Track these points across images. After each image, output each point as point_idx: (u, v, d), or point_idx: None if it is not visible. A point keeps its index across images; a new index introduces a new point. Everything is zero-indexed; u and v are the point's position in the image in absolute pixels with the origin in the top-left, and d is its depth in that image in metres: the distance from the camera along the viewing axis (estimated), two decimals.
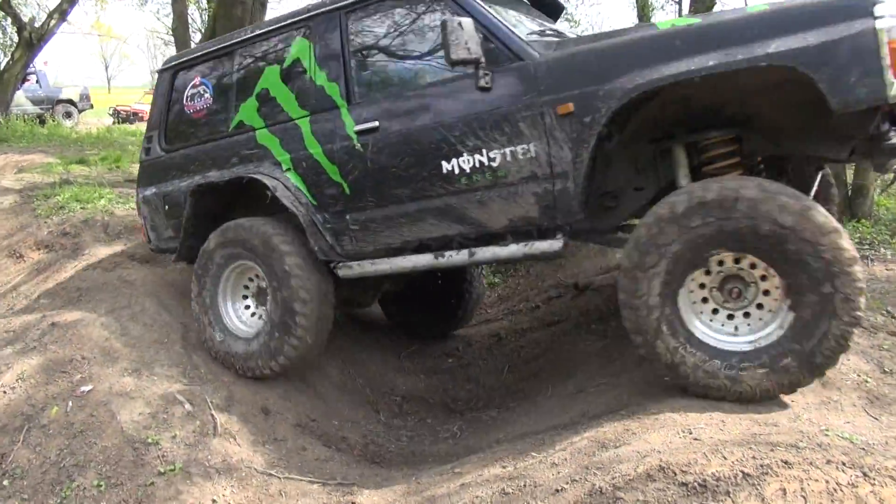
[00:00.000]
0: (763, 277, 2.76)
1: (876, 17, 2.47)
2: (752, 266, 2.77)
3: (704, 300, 2.87)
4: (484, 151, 3.16)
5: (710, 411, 2.81)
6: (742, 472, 2.17)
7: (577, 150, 2.98)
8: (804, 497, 2.01)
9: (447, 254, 3.39)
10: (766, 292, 2.77)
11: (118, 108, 24.61)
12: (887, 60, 2.45)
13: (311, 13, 3.72)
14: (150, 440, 3.28)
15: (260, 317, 3.86)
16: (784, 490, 2.04)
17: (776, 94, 2.93)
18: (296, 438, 3.66)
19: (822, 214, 2.57)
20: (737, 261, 2.78)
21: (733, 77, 2.72)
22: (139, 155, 4.52)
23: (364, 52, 3.63)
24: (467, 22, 2.96)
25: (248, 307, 3.96)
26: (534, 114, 3.04)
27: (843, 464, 2.19)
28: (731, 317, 2.85)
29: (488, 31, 3.16)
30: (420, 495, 2.92)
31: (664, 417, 2.82)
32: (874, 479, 2.10)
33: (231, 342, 3.84)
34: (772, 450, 2.32)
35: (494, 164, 3.15)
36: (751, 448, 2.34)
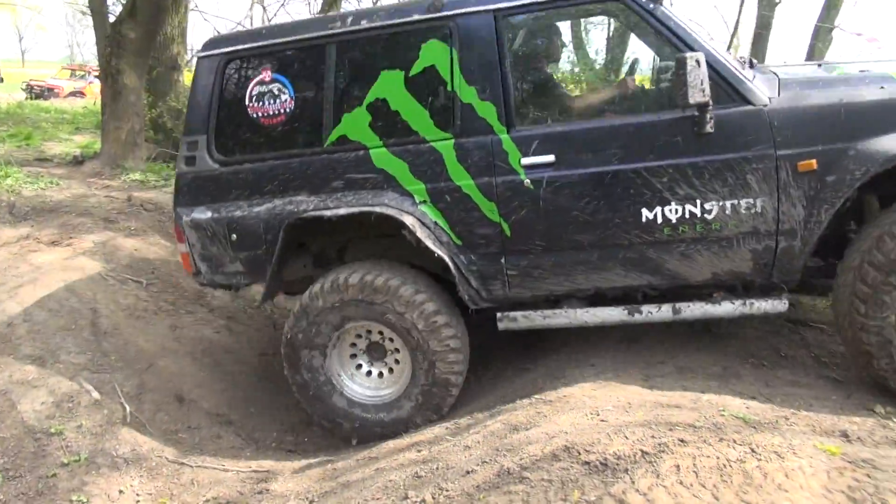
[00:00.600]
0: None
1: None
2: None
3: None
4: (698, 202, 2.89)
5: (620, 394, 2.93)
6: (641, 450, 2.26)
7: (812, 207, 2.81)
8: (696, 472, 2.11)
9: (644, 309, 3.09)
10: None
11: (32, 83, 23.34)
12: None
13: (455, 12, 3.08)
14: (52, 430, 3.15)
15: (382, 374, 3.45)
16: (678, 466, 2.14)
17: None
18: (211, 426, 3.59)
19: None
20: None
21: None
22: (177, 165, 3.55)
23: (529, 67, 3.27)
24: (703, 59, 2.67)
25: (359, 366, 3.46)
26: (767, 167, 2.82)
27: (734, 441, 2.31)
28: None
29: (713, 70, 2.82)
30: (335, 480, 2.91)
31: (575, 400, 2.92)
32: (760, 455, 2.22)
33: (361, 411, 3.40)
34: (670, 429, 2.44)
35: (709, 217, 2.90)
36: (651, 428, 2.44)
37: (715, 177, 2.87)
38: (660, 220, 2.94)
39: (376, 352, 3.41)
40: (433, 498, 2.37)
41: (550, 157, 3.00)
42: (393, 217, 3.07)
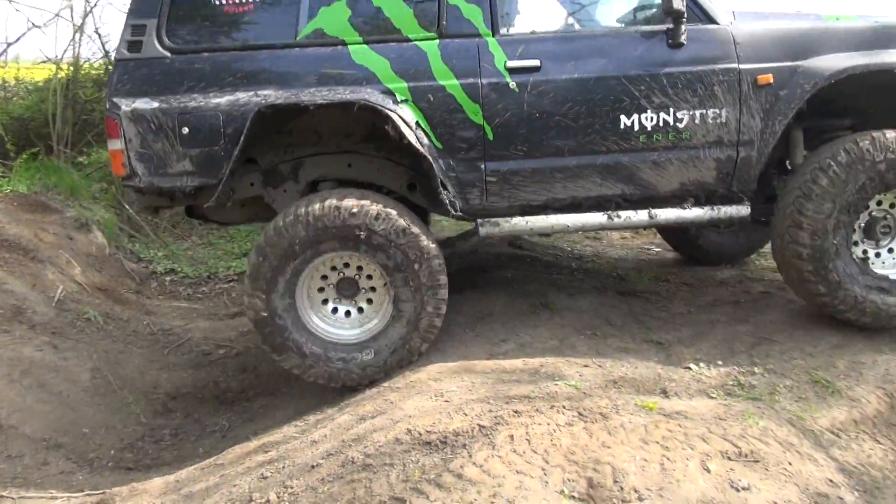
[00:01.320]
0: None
1: None
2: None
3: None
4: (671, 111, 3.08)
5: (464, 375, 3.01)
6: (479, 425, 2.34)
7: (768, 118, 3.11)
8: (528, 440, 2.22)
9: (624, 215, 3.21)
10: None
11: None
12: None
13: None
14: None
15: (359, 312, 3.22)
16: (512, 436, 2.24)
17: None
18: (36, 453, 3.27)
19: None
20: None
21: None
22: (118, 50, 3.16)
23: None
24: None
25: (325, 301, 3.22)
26: (731, 79, 3.08)
27: (564, 407, 2.46)
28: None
29: None
30: (178, 493, 2.76)
31: (421, 385, 2.96)
32: (587, 418, 2.38)
33: (330, 350, 3.17)
34: (507, 402, 2.54)
35: (680, 126, 3.10)
36: (489, 403, 2.54)
37: (686, 87, 3.10)
38: (636, 127, 3.11)
39: (348, 289, 3.21)
40: (277, 497, 2.32)
41: (536, 62, 3.08)
42: (378, 109, 2.96)
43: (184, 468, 3.09)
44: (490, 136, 3.10)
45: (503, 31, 3.15)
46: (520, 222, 3.23)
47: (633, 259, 5.04)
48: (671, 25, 3.08)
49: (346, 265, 3.17)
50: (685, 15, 3.04)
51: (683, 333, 3.51)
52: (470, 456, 2.15)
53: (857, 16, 3.38)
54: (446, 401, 2.70)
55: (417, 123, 3.06)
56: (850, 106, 3.44)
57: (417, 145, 3.00)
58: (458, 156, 3.13)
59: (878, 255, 3.31)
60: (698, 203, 3.30)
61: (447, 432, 2.32)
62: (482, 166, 3.15)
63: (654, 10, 3.28)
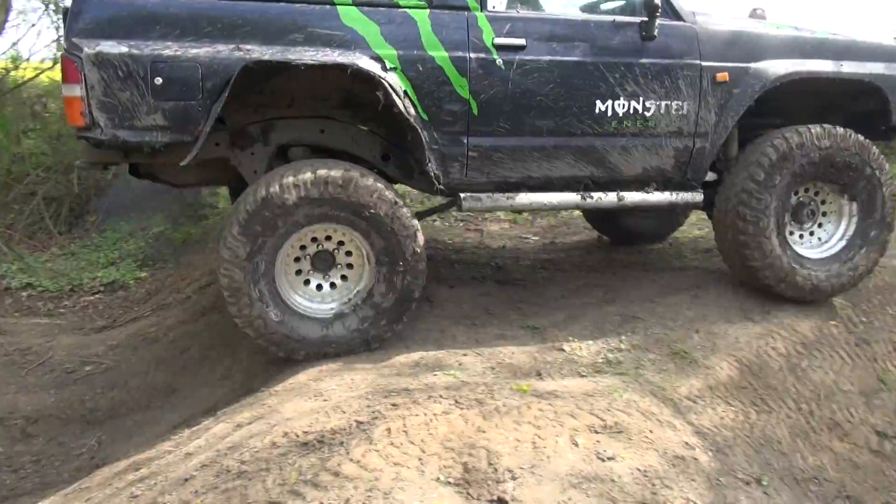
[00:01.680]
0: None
1: None
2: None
3: None
4: (640, 99, 3.24)
5: (345, 375, 2.99)
6: (357, 421, 2.34)
7: (722, 113, 3.37)
8: (405, 431, 2.24)
9: (595, 195, 3.34)
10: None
11: None
12: None
13: None
14: None
15: (332, 287, 3.14)
16: (389, 429, 2.25)
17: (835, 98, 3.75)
18: None
19: None
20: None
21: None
22: None
23: None
24: None
25: (299, 272, 3.11)
26: (694, 74, 3.29)
27: (441, 397, 2.50)
28: None
29: None
30: None
31: (301, 387, 2.91)
32: (463, 405, 2.44)
33: (297, 324, 3.04)
34: (386, 397, 2.55)
35: (647, 114, 3.27)
36: (367, 399, 2.54)
37: (655, 78, 3.28)
38: (609, 112, 3.25)
39: (323, 262, 3.13)
40: None
41: (522, 41, 3.12)
42: (371, 75, 2.87)
43: (46, 497, 2.88)
44: (475, 112, 3.12)
45: (491, 6, 3.16)
46: (501, 198, 3.28)
47: (511, 249, 5.19)
48: (646, 18, 3.21)
49: (328, 238, 3.12)
50: (659, 9, 3.18)
51: (558, 317, 3.66)
52: (347, 453, 2.15)
53: (792, 26, 3.71)
54: (325, 400, 2.67)
55: (405, 93, 3.00)
56: (778, 105, 3.73)
57: (407, 115, 2.96)
58: (442, 129, 3.12)
59: (801, 236, 3.70)
60: (658, 188, 3.49)
61: (324, 431, 2.29)
62: (465, 141, 3.16)
63: (630, 1, 3.43)
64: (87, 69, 2.69)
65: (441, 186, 3.21)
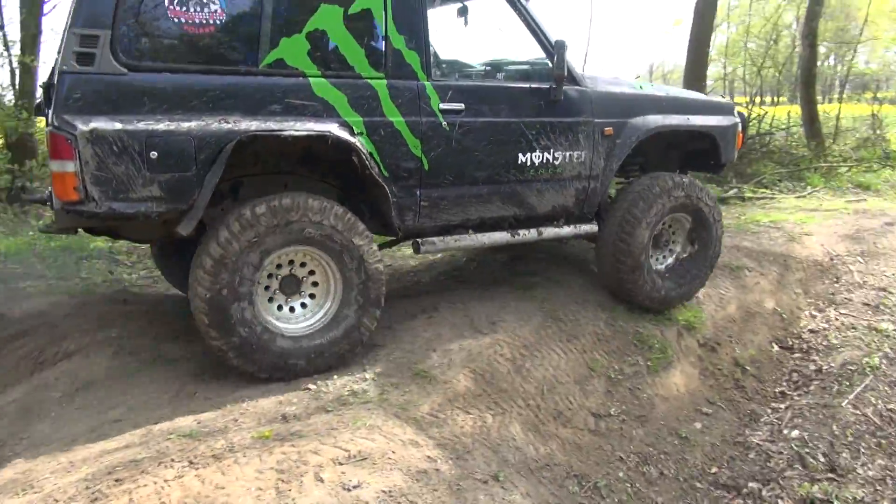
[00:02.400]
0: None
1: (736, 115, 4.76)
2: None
3: None
4: (551, 150, 3.82)
5: (61, 457, 2.64)
6: None
7: (608, 159, 4.05)
8: None
9: (521, 232, 3.89)
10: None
11: None
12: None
13: None
14: None
15: (302, 307, 3.40)
16: None
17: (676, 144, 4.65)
18: None
19: None
20: None
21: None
22: (64, 61, 2.77)
23: (443, 29, 3.81)
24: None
25: (272, 300, 3.32)
26: (589, 130, 3.93)
27: (174, 460, 2.33)
28: None
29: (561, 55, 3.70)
30: None
31: (12, 483, 2.51)
32: (199, 464, 2.30)
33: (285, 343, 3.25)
34: (110, 473, 2.31)
35: (556, 162, 3.86)
36: (87, 481, 2.27)
37: (562, 134, 3.86)
38: (528, 163, 3.80)
39: (289, 287, 3.33)
40: None
41: (461, 106, 3.53)
42: (346, 143, 3.19)
43: None
44: (426, 167, 3.50)
45: (435, 75, 3.56)
46: (451, 240, 3.74)
47: None
48: (554, 84, 3.75)
49: (291, 262, 3.31)
50: (565, 78, 3.74)
51: None
52: None
53: (652, 84, 4.58)
54: (37, 492, 2.34)
55: (370, 154, 3.30)
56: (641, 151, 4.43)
57: (374, 175, 3.30)
58: (399, 183, 3.46)
59: (656, 259, 4.48)
60: (565, 223, 4.10)
61: None
62: (418, 192, 3.54)
63: (542, 69, 3.91)
64: (81, 146, 2.72)
65: (400, 233, 3.62)
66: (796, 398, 4.27)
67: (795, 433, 3.91)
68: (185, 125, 2.91)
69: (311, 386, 3.26)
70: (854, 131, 13.17)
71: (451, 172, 3.59)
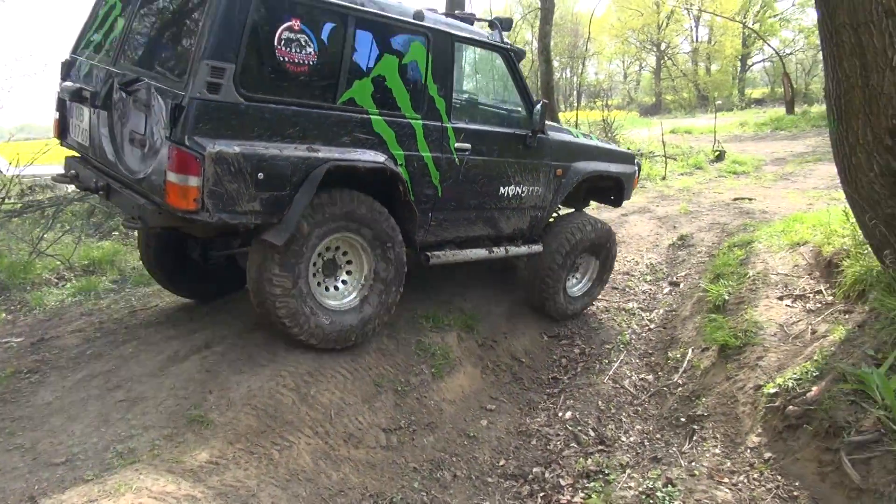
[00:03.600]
0: None
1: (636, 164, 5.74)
2: None
3: None
4: (521, 185, 4.65)
5: None
6: None
7: (555, 194, 4.93)
8: None
9: (495, 249, 4.69)
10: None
11: None
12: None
13: (434, 26, 4.01)
14: None
15: (343, 285, 3.94)
16: None
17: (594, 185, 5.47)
18: None
19: None
20: None
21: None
22: (192, 87, 3.05)
23: (461, 81, 4.64)
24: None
25: (319, 283, 3.84)
26: (547, 170, 4.79)
27: None
28: None
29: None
30: None
31: None
32: None
33: (340, 319, 3.81)
34: None
35: (522, 195, 4.68)
36: None
37: (529, 172, 4.68)
38: (506, 194, 4.58)
39: (329, 269, 3.88)
40: None
41: (468, 146, 4.23)
42: (396, 174, 3.79)
43: None
44: (440, 194, 4.17)
45: (453, 120, 4.15)
46: (450, 255, 4.40)
47: None
48: (531, 133, 4.55)
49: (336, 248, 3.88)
50: (540, 130, 4.58)
51: (53, 424, 3.18)
52: None
53: (591, 135, 5.80)
54: None
55: (406, 182, 3.89)
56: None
57: (413, 202, 3.97)
58: (420, 206, 4.08)
59: (572, 283, 5.43)
60: (521, 243, 4.93)
61: None
62: (430, 214, 4.21)
63: (521, 118, 4.62)
64: (207, 164, 3.09)
65: (413, 244, 4.22)
66: (566, 381, 4.67)
67: (568, 414, 4.26)
68: (285, 151, 3.37)
69: (62, 460, 2.86)
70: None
71: (454, 199, 4.30)
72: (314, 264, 3.75)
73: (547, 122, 4.82)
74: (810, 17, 32.76)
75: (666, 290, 5.58)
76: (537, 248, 4.97)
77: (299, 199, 3.39)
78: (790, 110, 21.29)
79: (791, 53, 34.05)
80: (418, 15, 3.93)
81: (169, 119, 3.14)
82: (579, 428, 4.11)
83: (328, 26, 3.59)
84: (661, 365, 4.55)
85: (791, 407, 3.27)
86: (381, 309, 3.98)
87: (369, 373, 3.92)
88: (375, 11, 3.69)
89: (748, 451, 3.36)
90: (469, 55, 4.80)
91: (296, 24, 3.36)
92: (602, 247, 5.28)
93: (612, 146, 5.93)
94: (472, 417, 4.15)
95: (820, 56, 3.55)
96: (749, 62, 39.08)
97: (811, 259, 4.68)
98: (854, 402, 2.97)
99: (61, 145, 4.30)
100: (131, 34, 3.76)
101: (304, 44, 3.40)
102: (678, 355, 4.47)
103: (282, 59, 3.34)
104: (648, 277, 5.94)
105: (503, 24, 4.54)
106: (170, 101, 3.13)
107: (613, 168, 5.34)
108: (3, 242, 6.14)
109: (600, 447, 3.94)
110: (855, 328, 3.51)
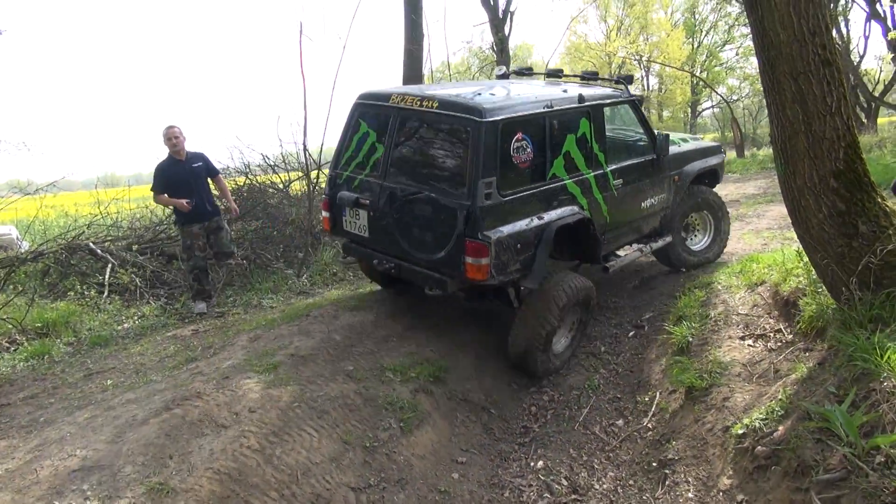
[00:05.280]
0: None
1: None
2: None
3: None
4: (654, 196, 6.06)
5: None
6: None
7: (674, 195, 6.34)
8: None
9: (643, 248, 6.21)
10: None
11: None
12: None
13: (594, 103, 5.31)
14: None
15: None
16: None
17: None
18: None
19: None
20: None
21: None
22: (476, 199, 4.37)
23: (609, 132, 5.66)
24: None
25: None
26: (668, 180, 6.22)
27: None
28: None
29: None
30: None
31: None
32: None
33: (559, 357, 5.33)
34: None
35: (655, 203, 6.10)
36: None
37: (658, 185, 6.05)
38: (645, 206, 5.95)
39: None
40: None
41: (621, 181, 5.56)
42: (587, 219, 5.14)
43: None
44: (608, 221, 5.46)
45: (609, 164, 5.43)
46: (618, 262, 5.88)
47: None
48: (657, 157, 5.94)
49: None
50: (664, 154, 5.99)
51: (1, 499, 3.01)
52: None
53: (689, 137, 7.20)
54: None
55: (589, 220, 5.15)
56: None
57: (594, 232, 5.21)
58: (598, 233, 5.26)
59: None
60: (658, 238, 6.30)
61: None
62: (603, 237, 5.42)
63: (646, 147, 6.01)
64: (492, 247, 4.45)
65: (599, 261, 5.50)
66: (537, 430, 4.62)
67: (540, 463, 4.21)
68: (527, 224, 4.67)
69: None
70: None
71: (616, 221, 5.58)
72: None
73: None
74: (753, 65, 34.34)
75: (631, 334, 5.62)
76: (667, 239, 6.35)
77: (541, 255, 4.74)
78: (740, 154, 22.06)
79: (738, 100, 35.52)
80: (581, 98, 5.19)
81: (463, 221, 4.40)
82: (552, 477, 4.06)
83: (536, 129, 4.81)
84: (631, 409, 4.54)
85: (759, 447, 3.28)
86: (578, 343, 5.48)
87: (336, 429, 3.83)
88: (561, 109, 5.01)
89: (721, 493, 3.35)
90: (612, 111, 5.91)
91: (519, 135, 4.64)
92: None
93: (705, 143, 7.21)
94: (443, 471, 4.06)
95: (765, 102, 3.92)
96: (699, 108, 40.62)
97: (769, 298, 4.77)
98: (820, 440, 3.00)
99: (332, 236, 6.56)
100: (393, 157, 4.90)
101: (525, 147, 4.69)
102: (646, 399, 4.47)
103: (516, 162, 4.64)
104: (613, 321, 5.98)
105: (627, 80, 5.96)
106: (462, 208, 4.40)
107: (712, 162, 6.81)
108: None
109: (574, 496, 3.88)
110: (815, 366, 3.56)
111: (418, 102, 4.72)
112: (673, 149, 6.28)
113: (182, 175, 6.15)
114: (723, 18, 34.77)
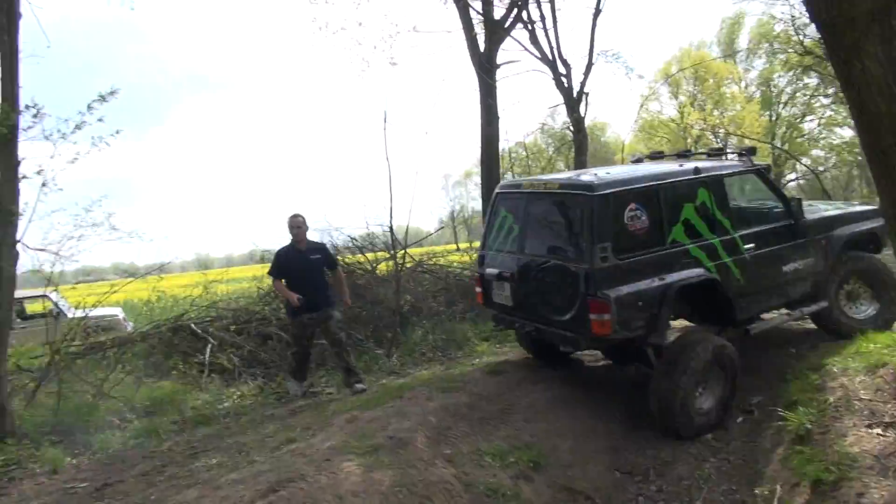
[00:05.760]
0: None
1: None
2: None
3: None
4: (797, 261, 6.04)
5: None
6: None
7: (825, 260, 6.22)
8: None
9: (791, 312, 6.23)
10: None
11: None
12: None
13: (708, 174, 5.67)
14: None
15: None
16: None
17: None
18: None
19: None
20: None
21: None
22: (592, 262, 4.94)
23: (736, 201, 6.14)
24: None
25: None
26: (813, 244, 6.14)
27: None
28: None
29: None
30: None
31: None
32: None
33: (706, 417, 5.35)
34: None
35: (800, 267, 6.07)
36: None
37: (799, 250, 6.05)
38: (787, 270, 5.98)
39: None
40: None
41: (752, 245, 5.72)
42: (714, 280, 5.40)
43: None
44: (742, 283, 5.61)
45: (737, 230, 5.68)
46: (761, 324, 6.09)
47: None
48: (794, 222, 6.02)
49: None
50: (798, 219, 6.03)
51: None
52: None
53: (842, 202, 7.73)
54: None
55: (720, 283, 5.41)
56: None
57: (725, 294, 5.46)
58: (731, 295, 5.51)
59: None
60: (811, 303, 6.22)
61: None
62: (739, 299, 5.58)
63: (780, 212, 6.13)
64: (613, 305, 4.86)
65: (736, 324, 5.71)
66: None
67: None
68: (649, 284, 5.06)
69: None
70: None
71: (750, 284, 5.66)
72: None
73: (812, 202, 7.09)
74: (837, 135, 33.38)
75: (739, 419, 5.32)
76: (822, 304, 6.24)
77: (664, 313, 5.10)
78: None
79: (825, 171, 34.38)
80: (696, 171, 5.60)
81: (584, 282, 4.95)
82: None
83: (650, 200, 5.27)
84: (749, 503, 4.24)
85: None
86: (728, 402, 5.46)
87: None
88: (674, 181, 5.49)
89: None
90: (735, 180, 6.21)
91: (633, 205, 5.16)
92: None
93: (858, 208, 7.06)
94: None
95: (855, 171, 4.18)
96: (783, 180, 39.54)
97: (894, 382, 4.44)
98: None
99: (485, 307, 6.50)
100: (526, 234, 5.67)
101: (640, 215, 5.17)
102: (766, 492, 4.17)
103: (630, 229, 5.13)
104: None
105: (749, 152, 6.27)
106: (582, 271, 4.97)
107: (866, 226, 6.59)
108: (67, 385, 6.24)
109: None
110: None
111: (543, 186, 5.69)
112: (817, 214, 6.46)
113: (299, 263, 6.29)
114: (801, 90, 34.22)
